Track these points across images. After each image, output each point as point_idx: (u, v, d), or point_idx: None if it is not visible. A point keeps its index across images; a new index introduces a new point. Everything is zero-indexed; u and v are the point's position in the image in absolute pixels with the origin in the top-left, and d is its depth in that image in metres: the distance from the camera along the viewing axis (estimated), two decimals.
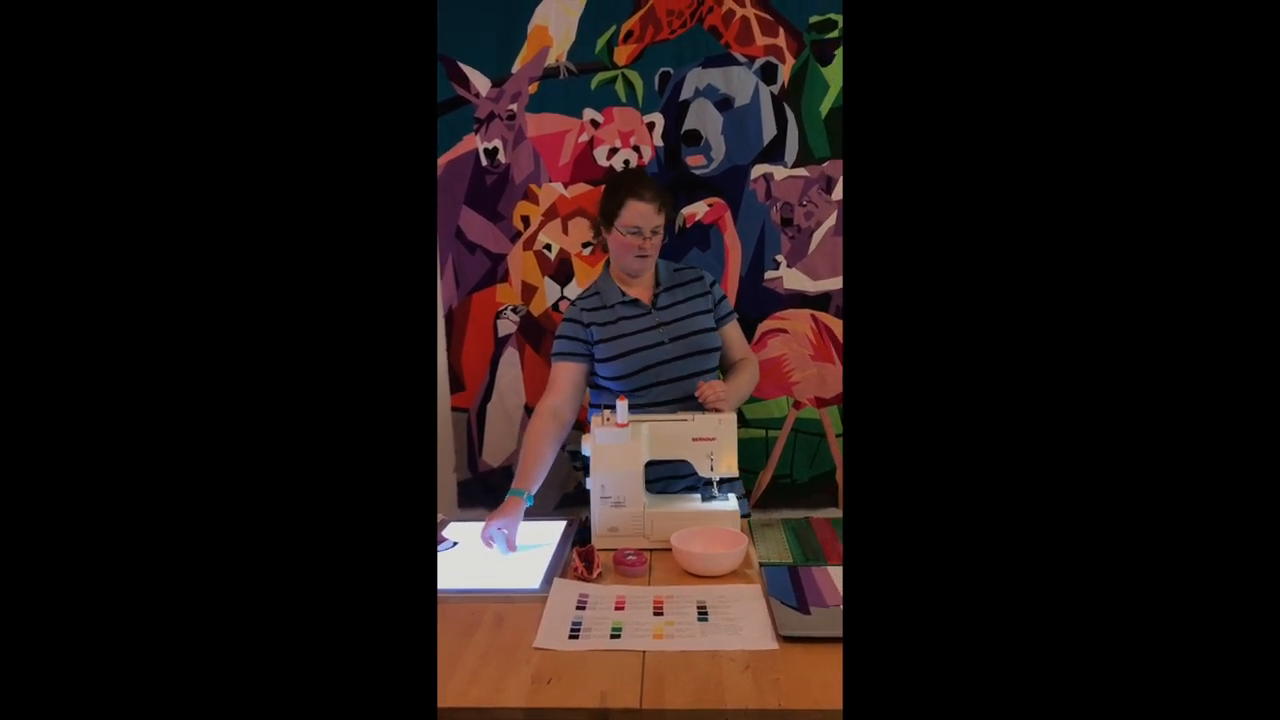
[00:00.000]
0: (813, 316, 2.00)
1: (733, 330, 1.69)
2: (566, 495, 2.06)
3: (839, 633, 1.04)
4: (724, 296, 1.70)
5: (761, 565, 1.29)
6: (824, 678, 0.95)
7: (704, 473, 1.46)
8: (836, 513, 2.02)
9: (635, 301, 1.61)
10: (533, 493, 1.46)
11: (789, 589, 1.18)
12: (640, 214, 1.54)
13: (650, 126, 1.97)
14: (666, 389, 1.56)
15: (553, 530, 1.49)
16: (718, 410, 1.46)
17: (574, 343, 1.59)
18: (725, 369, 1.69)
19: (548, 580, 1.25)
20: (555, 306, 2.05)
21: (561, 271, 2.03)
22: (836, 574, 1.24)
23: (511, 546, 1.36)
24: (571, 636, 1.07)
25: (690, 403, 1.52)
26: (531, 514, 1.46)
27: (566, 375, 1.58)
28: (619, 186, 1.60)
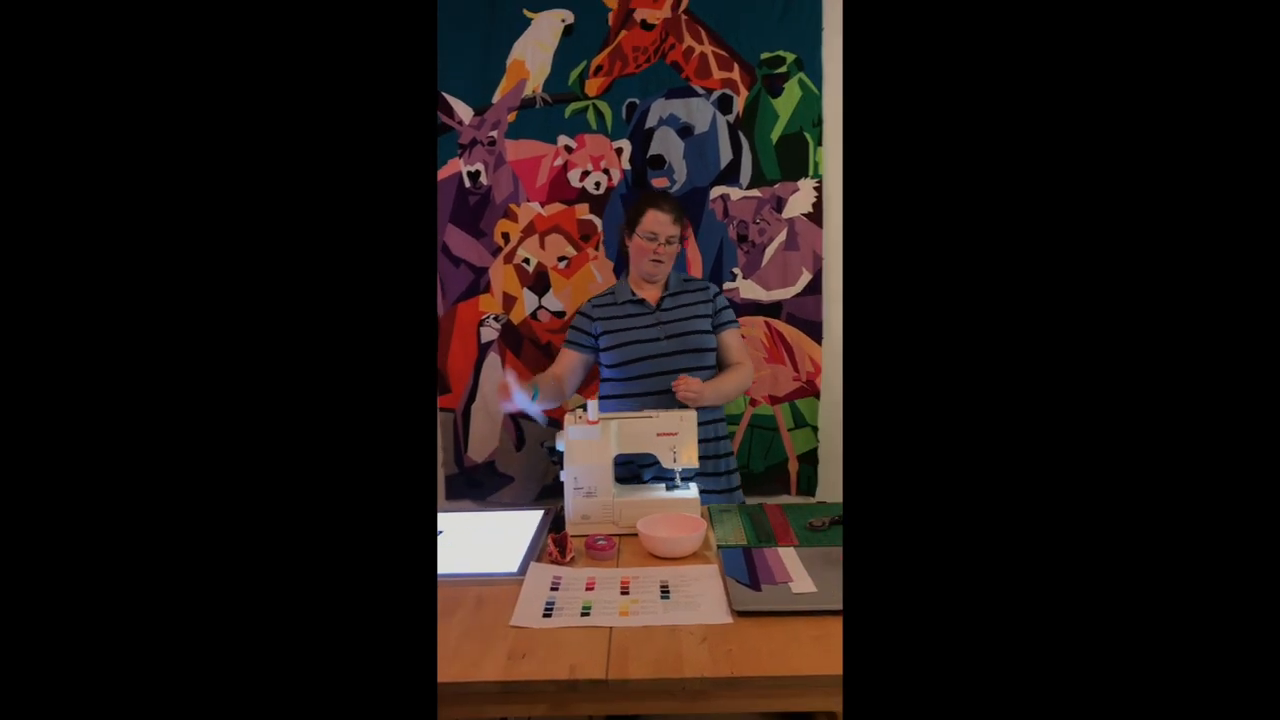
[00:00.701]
0: (766, 323, 2.02)
1: (730, 336, 1.68)
2: (545, 487, 2.06)
3: (786, 607, 1.05)
4: (727, 306, 1.70)
5: (719, 547, 1.30)
6: (771, 647, 0.96)
7: (667, 464, 1.46)
8: (788, 498, 2.04)
9: (642, 301, 1.66)
10: (534, 393, 1.49)
11: (743, 568, 1.19)
12: (657, 221, 1.60)
13: (619, 151, 1.98)
14: (658, 380, 1.59)
15: (531, 519, 1.49)
16: (687, 404, 1.47)
17: (579, 333, 1.67)
18: (723, 370, 1.71)
19: (525, 564, 1.25)
20: (534, 315, 2.04)
21: (539, 283, 2.03)
22: (786, 554, 1.25)
23: (509, 397, 1.42)
24: (545, 615, 1.07)
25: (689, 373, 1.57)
26: (511, 504, 1.46)
27: (567, 359, 1.67)
28: (642, 199, 1.67)
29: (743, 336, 1.76)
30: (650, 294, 1.67)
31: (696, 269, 2.01)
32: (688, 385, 1.49)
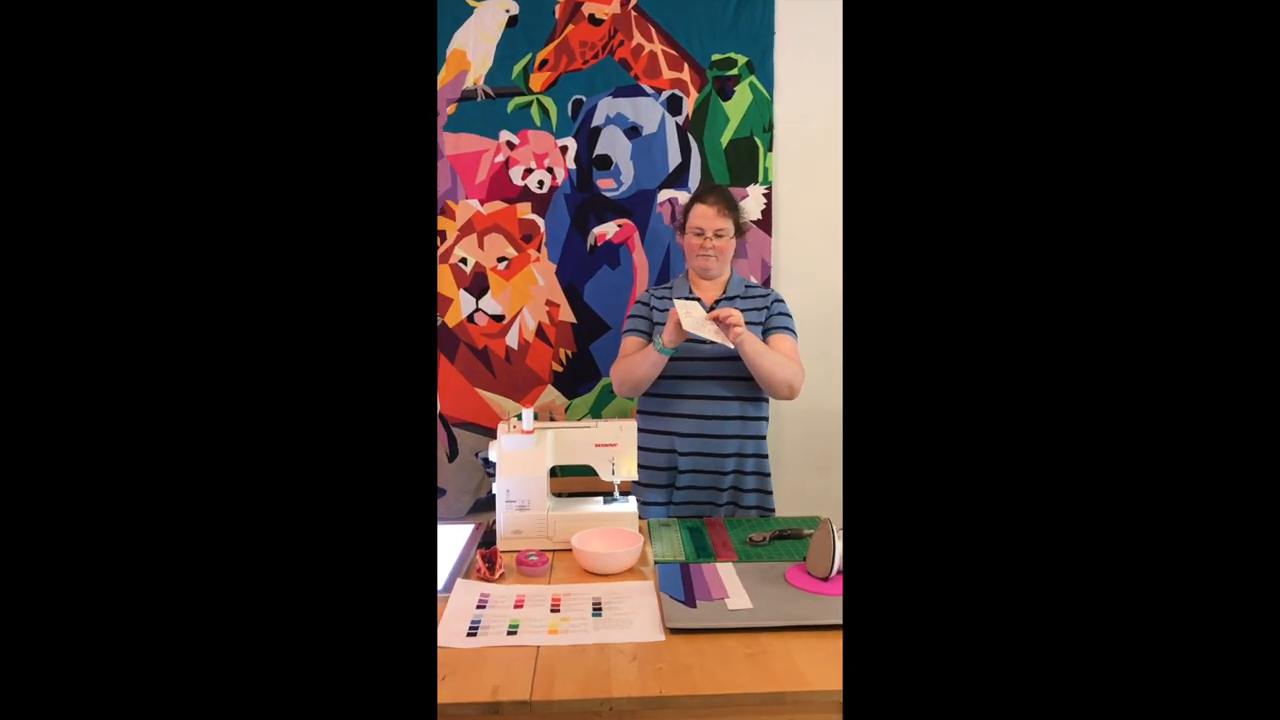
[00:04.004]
0: None
1: (780, 340, 1.64)
2: (479, 501, 2.03)
3: (720, 624, 1.06)
4: (783, 313, 1.68)
5: (656, 563, 1.30)
6: (704, 665, 0.97)
7: (606, 477, 1.46)
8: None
9: (698, 300, 1.65)
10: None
11: (679, 584, 1.20)
12: (702, 216, 1.62)
13: (563, 150, 1.98)
14: (697, 365, 1.62)
15: (460, 534, 1.46)
16: (721, 322, 1.48)
17: (639, 320, 1.70)
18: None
19: (451, 581, 1.23)
20: (470, 318, 2.02)
21: (476, 284, 2.01)
22: (724, 570, 1.26)
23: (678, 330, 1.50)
24: (470, 634, 1.06)
25: (723, 383, 1.62)
26: (441, 518, 1.44)
27: (629, 344, 1.69)
28: (692, 196, 1.70)
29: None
30: (707, 293, 1.68)
31: (642, 275, 2.02)
32: (730, 311, 1.48)
